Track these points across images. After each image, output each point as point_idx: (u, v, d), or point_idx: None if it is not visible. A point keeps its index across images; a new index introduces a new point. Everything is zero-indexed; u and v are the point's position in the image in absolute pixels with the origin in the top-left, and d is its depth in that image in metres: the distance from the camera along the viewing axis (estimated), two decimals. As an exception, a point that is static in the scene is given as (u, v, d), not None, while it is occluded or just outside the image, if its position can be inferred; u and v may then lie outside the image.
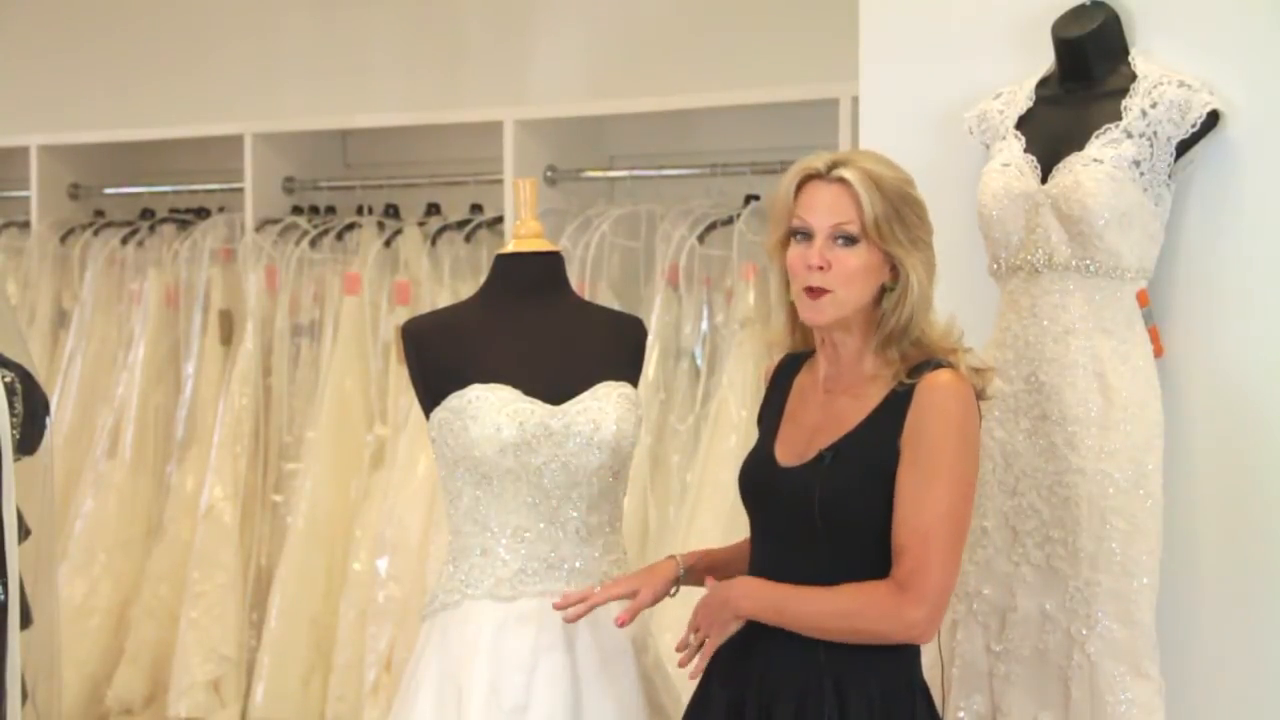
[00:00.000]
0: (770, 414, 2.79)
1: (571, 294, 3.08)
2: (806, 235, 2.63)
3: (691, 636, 2.69)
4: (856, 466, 2.60)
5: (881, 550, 2.59)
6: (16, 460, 3.14)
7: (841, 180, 2.61)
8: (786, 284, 2.70)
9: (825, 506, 2.59)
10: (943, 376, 2.59)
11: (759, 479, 2.72)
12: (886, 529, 2.59)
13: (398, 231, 5.24)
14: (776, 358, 2.85)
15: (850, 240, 2.61)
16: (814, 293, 2.62)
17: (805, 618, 2.59)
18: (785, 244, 2.67)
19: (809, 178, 2.64)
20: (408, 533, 4.82)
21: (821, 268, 2.60)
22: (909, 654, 2.64)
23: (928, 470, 2.56)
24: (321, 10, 5.70)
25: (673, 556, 2.82)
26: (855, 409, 2.64)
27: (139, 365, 5.63)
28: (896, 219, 2.61)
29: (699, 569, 2.80)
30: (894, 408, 2.61)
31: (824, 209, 2.61)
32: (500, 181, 4.95)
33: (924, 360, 2.62)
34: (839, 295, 2.61)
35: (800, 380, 2.77)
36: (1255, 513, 2.94)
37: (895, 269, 2.63)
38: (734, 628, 2.65)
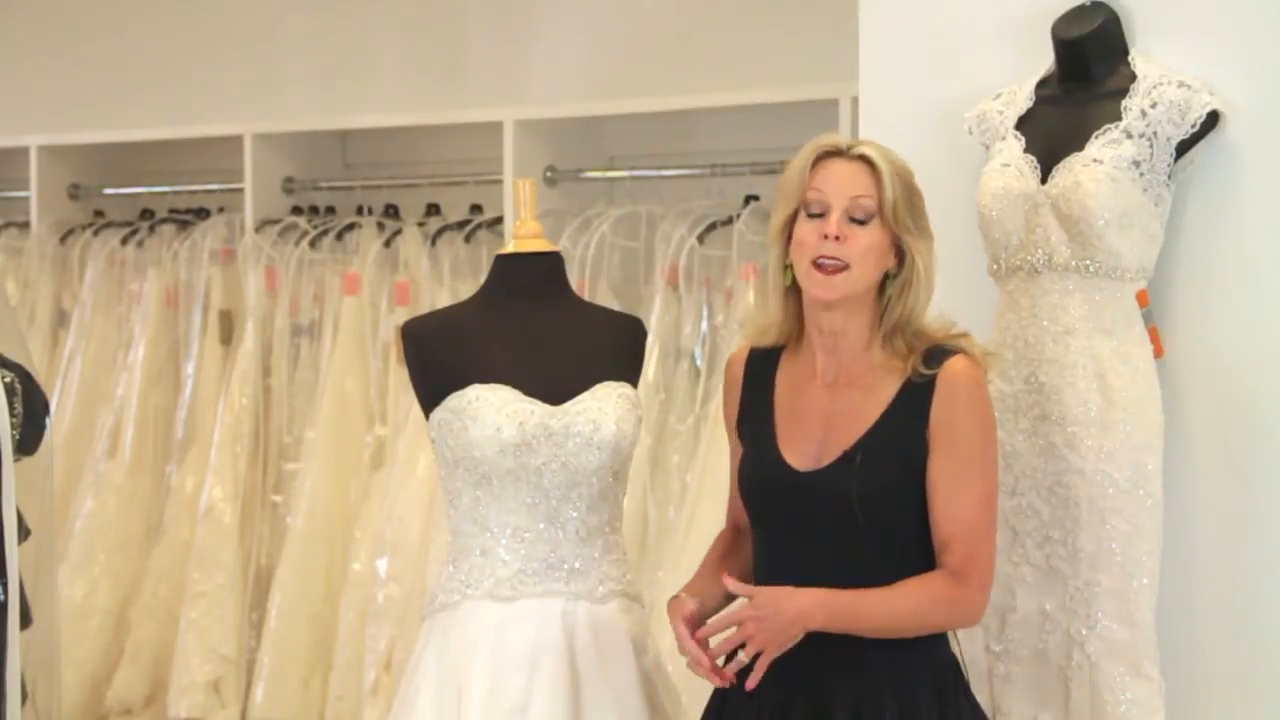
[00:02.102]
0: (758, 414, 2.74)
1: (571, 294, 3.08)
2: (820, 212, 2.62)
3: (742, 653, 2.58)
4: (888, 461, 2.60)
5: (918, 541, 2.62)
6: (16, 460, 3.14)
7: (862, 157, 2.62)
8: (783, 269, 2.69)
9: (866, 505, 2.58)
10: (961, 364, 2.61)
11: (772, 485, 2.68)
12: (921, 519, 2.61)
13: (397, 232, 5.24)
14: (741, 353, 2.80)
15: (865, 217, 2.61)
16: (826, 268, 2.60)
17: (878, 620, 2.58)
18: (789, 227, 2.66)
19: (825, 155, 2.64)
20: (408, 533, 4.82)
21: (838, 238, 2.59)
22: (944, 635, 2.68)
23: (963, 459, 2.59)
24: (321, 10, 5.70)
25: (677, 596, 2.72)
26: (869, 402, 2.64)
27: (139, 365, 5.63)
28: (908, 204, 2.63)
29: (709, 604, 2.73)
30: (915, 398, 2.61)
31: (843, 182, 2.62)
32: (500, 182, 4.95)
33: (933, 348, 2.63)
34: (854, 272, 2.60)
35: (785, 376, 2.74)
36: (1255, 513, 2.94)
37: (900, 257, 2.64)
38: (797, 639, 2.58)
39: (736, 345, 2.89)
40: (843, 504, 2.59)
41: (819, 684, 2.61)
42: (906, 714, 2.59)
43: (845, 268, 2.60)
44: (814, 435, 2.66)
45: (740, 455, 2.79)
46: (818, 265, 2.61)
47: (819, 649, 2.58)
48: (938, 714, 2.62)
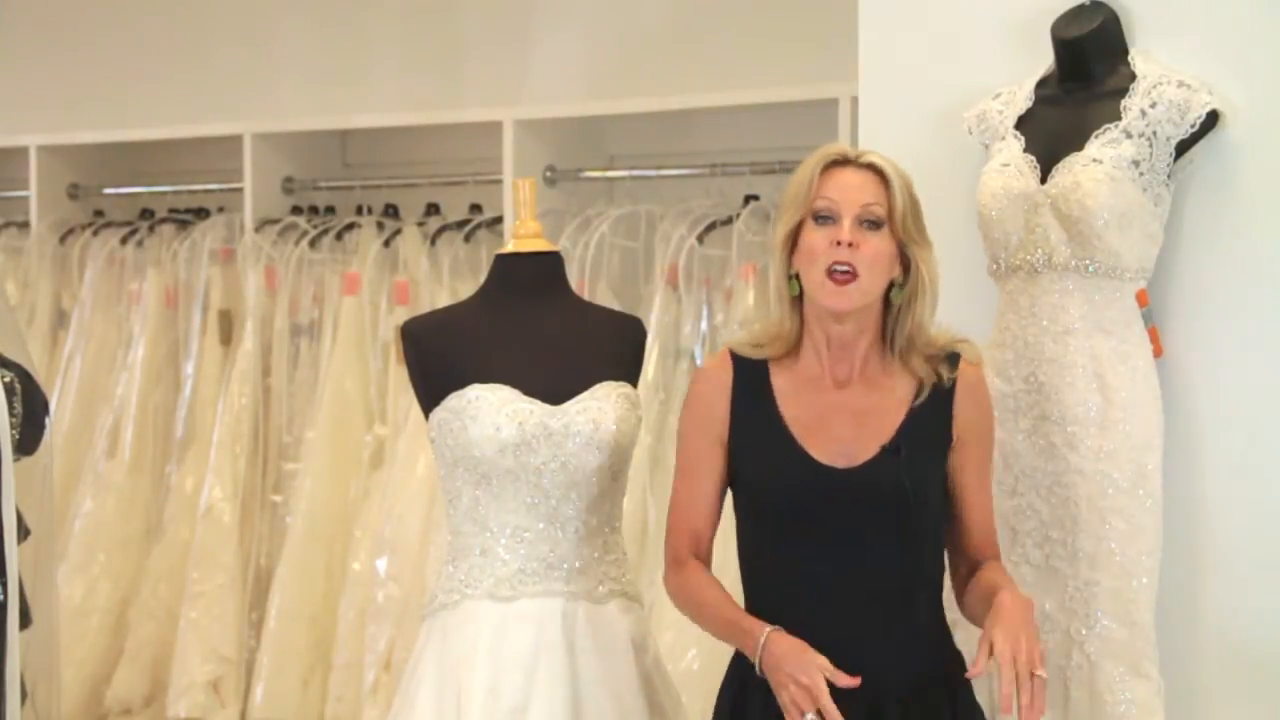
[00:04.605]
0: (761, 422, 2.69)
1: (571, 294, 3.08)
2: (829, 218, 2.62)
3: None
4: (925, 455, 2.65)
5: (938, 533, 2.70)
6: (16, 460, 3.14)
7: (871, 166, 2.63)
8: (788, 279, 2.68)
9: (916, 496, 2.61)
10: (975, 369, 2.72)
11: (811, 484, 2.63)
12: (941, 512, 2.71)
13: (397, 231, 5.24)
14: (722, 364, 2.72)
15: (875, 225, 2.62)
16: (839, 278, 2.60)
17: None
18: (793, 235, 2.66)
19: (833, 164, 2.65)
20: (407, 533, 4.82)
21: (851, 244, 2.59)
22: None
23: (987, 457, 2.74)
24: (321, 10, 5.70)
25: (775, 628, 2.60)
26: (891, 401, 2.66)
27: (138, 365, 5.62)
28: (913, 213, 2.65)
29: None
30: (937, 399, 2.67)
31: (853, 190, 2.62)
32: (500, 181, 4.95)
33: (942, 352, 2.68)
34: (864, 281, 2.61)
35: (785, 381, 2.70)
36: (1255, 513, 2.94)
37: (905, 267, 2.65)
38: None
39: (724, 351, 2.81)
40: (896, 495, 2.60)
41: (872, 684, 2.55)
42: (964, 710, 2.66)
43: (856, 276, 2.60)
44: (841, 434, 2.65)
45: (725, 468, 2.72)
46: (830, 275, 2.60)
47: (875, 647, 2.58)
48: (969, 709, 2.70)
